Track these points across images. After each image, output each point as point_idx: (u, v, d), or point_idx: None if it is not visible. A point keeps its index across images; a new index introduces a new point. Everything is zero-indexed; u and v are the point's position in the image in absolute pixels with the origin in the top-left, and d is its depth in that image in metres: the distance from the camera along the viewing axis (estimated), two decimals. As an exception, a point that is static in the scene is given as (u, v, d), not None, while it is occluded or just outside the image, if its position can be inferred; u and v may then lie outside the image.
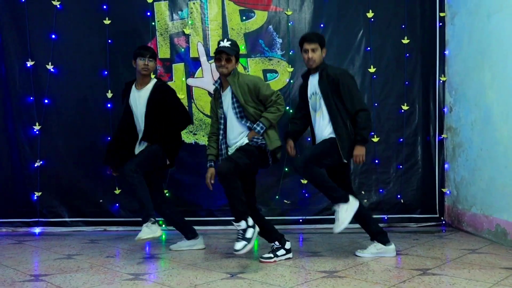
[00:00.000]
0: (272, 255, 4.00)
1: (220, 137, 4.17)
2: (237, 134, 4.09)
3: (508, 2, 4.51)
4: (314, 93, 4.20)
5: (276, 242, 4.08)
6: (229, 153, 4.09)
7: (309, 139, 5.35)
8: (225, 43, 4.06)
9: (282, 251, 4.06)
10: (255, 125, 3.98)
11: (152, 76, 4.64)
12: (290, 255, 4.09)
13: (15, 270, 3.75)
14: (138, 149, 4.43)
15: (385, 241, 4.15)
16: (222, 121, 4.16)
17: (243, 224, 3.72)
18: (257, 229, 3.77)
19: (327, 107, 4.09)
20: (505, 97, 4.58)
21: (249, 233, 3.70)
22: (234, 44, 4.12)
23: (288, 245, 4.11)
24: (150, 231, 3.94)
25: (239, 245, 3.65)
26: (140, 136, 4.43)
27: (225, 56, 4.01)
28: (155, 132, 4.34)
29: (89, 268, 3.79)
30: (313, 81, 4.21)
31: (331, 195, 4.01)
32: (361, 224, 4.25)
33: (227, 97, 4.13)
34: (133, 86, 4.48)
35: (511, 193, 4.46)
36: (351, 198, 3.99)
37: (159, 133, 4.35)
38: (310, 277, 3.49)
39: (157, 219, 4.08)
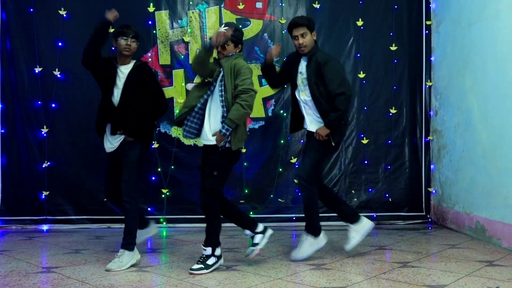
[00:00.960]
0: (202, 266, 3.72)
1: (196, 109, 3.88)
2: (213, 116, 3.84)
3: (487, 13, 4.83)
4: (301, 72, 4.18)
5: (247, 231, 4.00)
6: (187, 127, 3.88)
7: (301, 141, 5.69)
8: (222, 29, 3.82)
9: (212, 259, 3.78)
10: (221, 127, 3.70)
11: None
12: (221, 261, 3.86)
13: (27, 263, 4.07)
14: (111, 139, 4.10)
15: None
16: (206, 97, 3.89)
17: (209, 251, 3.73)
18: (221, 261, 3.81)
19: (311, 92, 4.07)
20: (484, 102, 4.89)
21: (211, 261, 3.73)
22: (232, 29, 3.86)
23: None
24: (125, 261, 3.87)
25: (196, 266, 3.69)
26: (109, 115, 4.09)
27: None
28: (135, 123, 4.00)
29: (96, 261, 4.11)
30: (303, 63, 4.20)
31: (310, 222, 4.12)
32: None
33: (218, 79, 3.89)
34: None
35: (490, 192, 4.77)
36: (321, 235, 4.13)
37: (139, 126, 4.03)
38: (299, 269, 3.81)
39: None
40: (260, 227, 4.01)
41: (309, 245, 4.10)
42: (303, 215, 4.19)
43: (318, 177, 4.26)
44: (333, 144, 4.11)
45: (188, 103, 3.95)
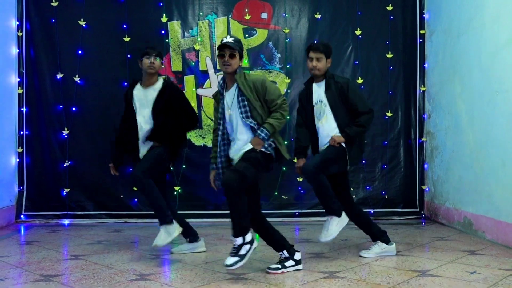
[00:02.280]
0: (279, 266, 3.76)
1: (219, 138, 3.84)
2: (241, 136, 3.77)
3: (473, 25, 5.26)
4: (319, 101, 4.25)
5: (285, 252, 3.81)
6: (230, 156, 3.83)
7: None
8: (228, 39, 3.76)
9: (291, 262, 3.80)
10: (258, 131, 3.66)
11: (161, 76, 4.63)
12: (299, 266, 3.83)
13: (56, 251, 4.54)
14: (142, 147, 4.38)
15: (387, 241, 4.33)
16: (221, 122, 3.85)
17: (239, 240, 3.56)
18: (255, 244, 3.64)
19: (335, 114, 4.16)
20: (471, 107, 5.32)
21: (244, 250, 3.56)
22: (237, 41, 3.81)
23: (298, 256, 3.84)
24: (168, 234, 4.10)
25: (231, 260, 3.52)
26: (140, 134, 4.36)
27: (228, 51, 3.70)
28: (163, 132, 4.31)
29: (118, 250, 4.57)
30: (318, 90, 4.27)
31: (328, 205, 4.07)
32: (363, 228, 4.41)
33: (231, 96, 3.81)
34: (138, 85, 4.46)
35: (476, 190, 5.20)
36: (343, 214, 4.08)
37: (166, 134, 4.32)
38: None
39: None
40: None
41: (335, 224, 4.05)
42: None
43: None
44: (348, 167, 4.19)
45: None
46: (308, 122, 4.34)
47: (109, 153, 6.19)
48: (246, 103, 3.73)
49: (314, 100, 4.29)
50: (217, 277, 3.62)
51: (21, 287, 3.40)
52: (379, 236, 4.33)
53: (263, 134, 3.66)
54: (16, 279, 3.60)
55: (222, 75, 4.12)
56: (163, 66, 4.86)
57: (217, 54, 3.83)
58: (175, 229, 4.15)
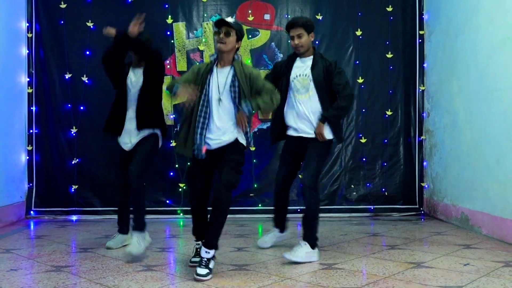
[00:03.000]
0: (208, 270, 3.51)
1: (201, 108, 3.66)
2: (227, 120, 3.69)
3: (469, 26, 5.40)
4: (304, 75, 4.18)
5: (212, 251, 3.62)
6: (207, 136, 3.66)
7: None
8: (226, 18, 3.72)
9: (213, 262, 3.62)
10: (243, 105, 3.62)
11: None
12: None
13: (66, 245, 4.72)
14: (129, 124, 4.40)
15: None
16: (204, 103, 3.67)
17: (212, 253, 3.57)
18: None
19: (319, 91, 4.13)
20: (468, 105, 5.47)
21: (212, 264, 3.58)
22: (236, 23, 3.75)
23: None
24: (142, 244, 4.12)
25: (203, 271, 3.46)
26: (128, 109, 4.42)
27: (224, 29, 3.63)
28: (150, 115, 4.37)
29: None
30: (302, 65, 4.22)
31: (311, 231, 4.05)
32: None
33: (223, 76, 3.72)
34: (131, 67, 4.54)
35: (472, 186, 5.35)
36: (317, 249, 4.06)
37: (158, 117, 4.44)
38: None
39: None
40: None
41: (304, 252, 3.98)
42: (303, 222, 4.14)
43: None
44: (334, 140, 4.25)
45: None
46: (284, 93, 4.22)
47: (116, 151, 6.39)
48: (237, 89, 3.68)
49: (295, 73, 4.22)
50: (220, 268, 3.78)
51: (33, 277, 3.57)
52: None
53: (246, 109, 3.61)
54: (28, 269, 3.78)
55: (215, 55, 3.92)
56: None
57: (213, 32, 3.71)
58: (147, 234, 4.30)
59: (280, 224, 4.59)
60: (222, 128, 3.68)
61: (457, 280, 3.41)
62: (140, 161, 4.27)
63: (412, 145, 6.68)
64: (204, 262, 3.51)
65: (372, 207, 6.52)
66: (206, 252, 3.55)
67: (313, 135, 4.18)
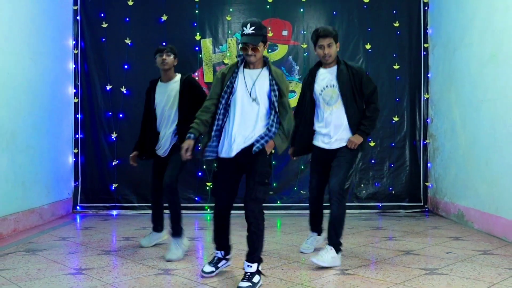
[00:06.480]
0: (250, 284, 3.40)
1: (221, 112, 3.57)
2: (254, 126, 3.53)
3: (464, 42, 6.04)
4: (330, 86, 4.14)
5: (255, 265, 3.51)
6: (234, 142, 3.51)
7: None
8: (248, 30, 3.50)
9: (257, 277, 3.48)
10: (276, 135, 3.52)
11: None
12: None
13: (110, 234, 5.56)
14: (162, 145, 4.62)
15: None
16: (226, 99, 3.57)
17: (254, 267, 3.45)
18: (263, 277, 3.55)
19: (344, 102, 4.08)
20: (463, 113, 6.10)
21: (256, 278, 3.43)
22: (258, 28, 3.52)
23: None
24: (180, 249, 4.34)
25: (244, 284, 3.35)
26: (158, 126, 4.63)
27: (251, 46, 3.51)
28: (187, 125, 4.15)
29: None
30: (328, 75, 4.17)
31: (336, 237, 4.04)
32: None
33: (253, 77, 3.57)
34: (158, 82, 4.73)
35: (467, 185, 5.99)
36: (340, 254, 4.06)
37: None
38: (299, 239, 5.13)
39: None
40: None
41: (331, 256, 3.98)
42: (329, 228, 4.10)
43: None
44: (361, 150, 4.29)
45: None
46: (305, 108, 4.25)
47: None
48: (279, 91, 3.56)
49: (323, 85, 4.18)
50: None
51: (89, 259, 4.40)
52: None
53: (278, 140, 3.54)
54: (83, 253, 4.62)
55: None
56: (175, 63, 4.74)
57: (239, 45, 3.69)
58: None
59: (317, 228, 4.73)
60: (247, 132, 3.54)
61: (436, 264, 4.09)
62: (174, 175, 4.39)
63: (417, 148, 7.32)
64: (246, 276, 3.42)
65: (380, 204, 7.19)
66: (248, 266, 3.46)
67: (342, 144, 4.18)
